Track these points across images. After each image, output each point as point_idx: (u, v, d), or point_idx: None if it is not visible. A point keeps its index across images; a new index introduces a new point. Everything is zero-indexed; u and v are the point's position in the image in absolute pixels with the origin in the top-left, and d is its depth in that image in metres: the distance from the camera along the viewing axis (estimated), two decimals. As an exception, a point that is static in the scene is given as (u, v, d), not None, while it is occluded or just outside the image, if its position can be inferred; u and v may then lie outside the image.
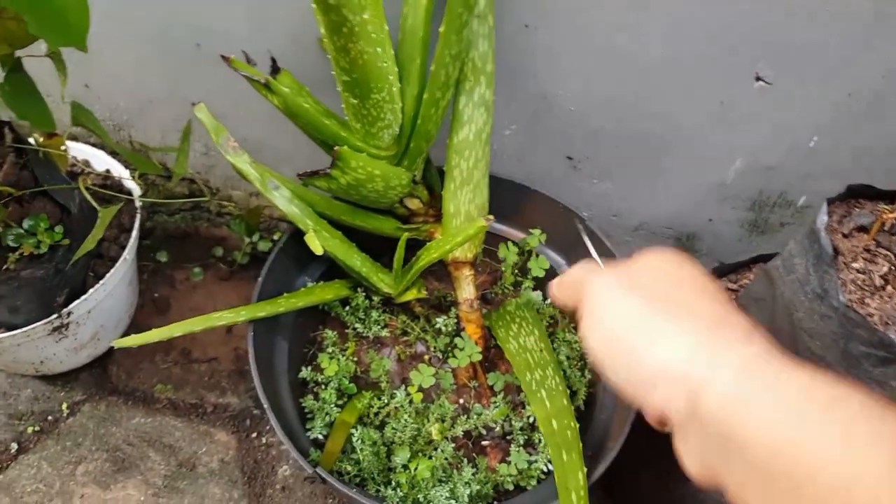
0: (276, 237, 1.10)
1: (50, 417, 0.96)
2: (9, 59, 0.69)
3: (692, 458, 0.34)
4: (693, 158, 0.81)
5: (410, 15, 0.67)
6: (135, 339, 0.63)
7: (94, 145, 0.98)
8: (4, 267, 0.76)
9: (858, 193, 0.62)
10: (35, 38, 0.65)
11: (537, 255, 0.85)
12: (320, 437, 0.71)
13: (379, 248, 0.79)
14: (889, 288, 0.56)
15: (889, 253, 0.58)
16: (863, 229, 0.60)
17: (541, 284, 0.85)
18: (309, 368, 0.77)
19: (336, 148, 0.60)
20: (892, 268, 0.57)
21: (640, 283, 0.39)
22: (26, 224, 0.77)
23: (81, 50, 0.64)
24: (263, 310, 0.70)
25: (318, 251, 0.66)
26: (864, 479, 0.26)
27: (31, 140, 0.81)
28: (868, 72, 0.68)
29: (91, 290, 0.81)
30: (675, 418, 0.34)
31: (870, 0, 0.62)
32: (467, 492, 0.64)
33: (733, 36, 0.68)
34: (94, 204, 0.75)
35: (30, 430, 0.95)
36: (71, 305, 0.80)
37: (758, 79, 0.71)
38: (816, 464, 0.27)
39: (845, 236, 0.60)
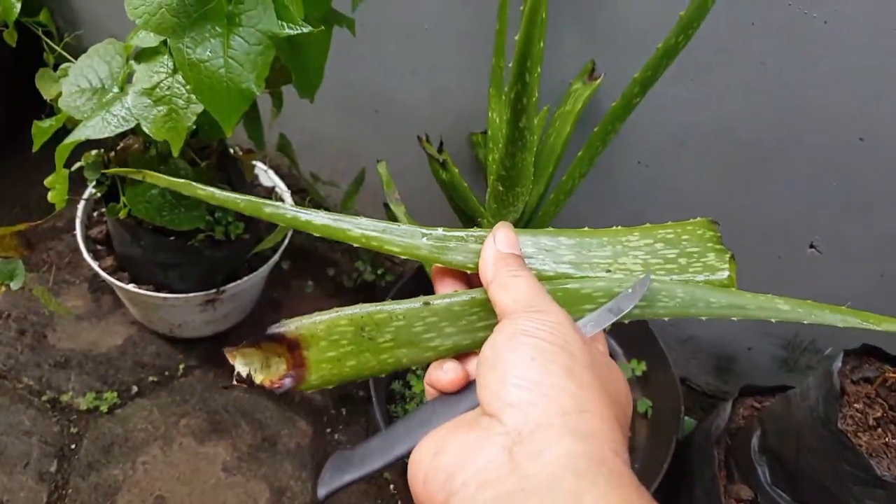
0: (378, 272, 1.30)
1: (167, 373, 1.16)
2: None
3: None
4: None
5: (553, 135, 0.87)
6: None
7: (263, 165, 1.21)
8: (190, 243, 0.97)
9: (871, 353, 0.79)
10: (286, 83, 0.87)
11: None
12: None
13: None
14: (879, 430, 0.72)
15: (885, 403, 0.74)
16: (868, 380, 0.76)
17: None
18: (399, 382, 0.95)
19: (479, 220, 0.80)
20: (885, 415, 0.73)
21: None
22: (216, 214, 0.98)
23: (309, 100, 0.86)
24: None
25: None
26: None
27: (231, 152, 1.04)
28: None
29: (245, 277, 1.02)
30: None
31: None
32: None
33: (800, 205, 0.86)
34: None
35: (150, 378, 1.14)
36: (227, 286, 1.01)
37: (811, 246, 0.89)
38: None
39: (853, 382, 0.76)
